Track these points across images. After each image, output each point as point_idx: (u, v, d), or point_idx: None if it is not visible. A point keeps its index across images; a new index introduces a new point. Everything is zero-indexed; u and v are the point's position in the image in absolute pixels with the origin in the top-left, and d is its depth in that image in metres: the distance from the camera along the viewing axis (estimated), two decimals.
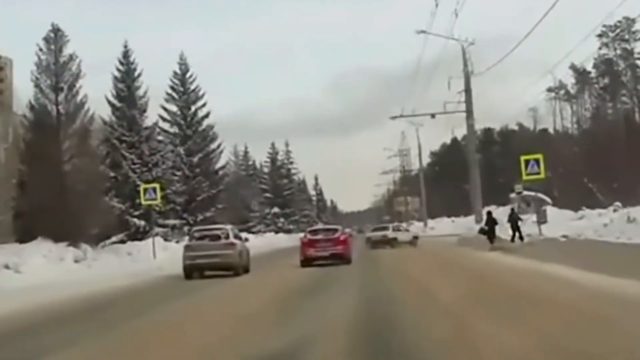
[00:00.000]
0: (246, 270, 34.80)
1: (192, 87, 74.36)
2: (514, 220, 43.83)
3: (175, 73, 73.98)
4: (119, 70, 67.54)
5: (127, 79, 67.36)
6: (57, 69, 54.10)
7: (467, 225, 63.02)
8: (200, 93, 74.67)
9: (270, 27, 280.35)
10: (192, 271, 32.95)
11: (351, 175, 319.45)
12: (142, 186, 49.74)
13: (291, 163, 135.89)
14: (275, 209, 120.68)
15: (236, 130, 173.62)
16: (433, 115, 66.79)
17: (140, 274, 36.72)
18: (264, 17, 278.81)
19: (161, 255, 49.17)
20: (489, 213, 46.17)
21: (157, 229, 64.31)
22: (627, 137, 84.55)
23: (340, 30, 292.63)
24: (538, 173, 40.70)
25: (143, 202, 49.25)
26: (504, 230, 48.70)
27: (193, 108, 74.22)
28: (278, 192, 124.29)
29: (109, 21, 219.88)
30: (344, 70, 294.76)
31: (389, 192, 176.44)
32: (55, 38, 54.34)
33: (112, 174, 64.28)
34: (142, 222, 63.65)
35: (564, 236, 37.10)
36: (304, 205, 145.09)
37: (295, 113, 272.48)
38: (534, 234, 43.64)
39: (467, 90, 57.86)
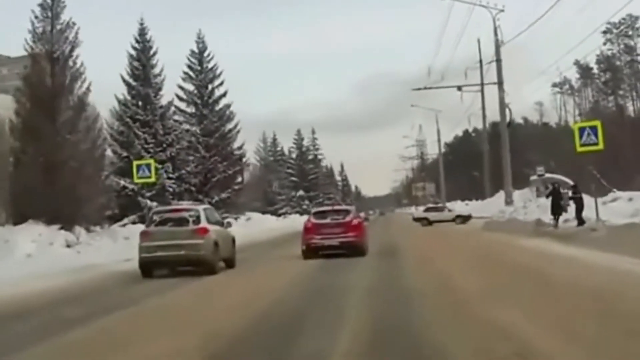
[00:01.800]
0: (229, 264, 23.15)
1: (210, 65, 62.54)
2: (577, 198, 30.75)
3: (192, 52, 62.33)
4: (134, 48, 56.44)
5: (142, 57, 56.05)
6: (53, 37, 42.39)
7: (498, 207, 49.71)
8: (218, 72, 62.93)
9: (302, 38, 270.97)
10: (150, 267, 21.19)
11: (374, 165, 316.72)
12: (135, 163, 37.55)
13: (317, 150, 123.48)
14: (301, 192, 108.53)
15: (272, 127, 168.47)
16: (459, 88, 54.55)
17: (104, 265, 24.76)
18: (299, 30, 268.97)
19: None
20: (555, 186, 32.81)
21: None
22: (622, 128, 78.41)
23: (365, 40, 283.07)
24: (596, 144, 27.95)
25: (136, 179, 37.17)
26: (536, 211, 36.63)
27: (210, 87, 61.92)
28: (303, 177, 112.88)
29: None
30: (367, 75, 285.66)
31: (407, 178, 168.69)
32: (52, 4, 42.60)
33: (124, 154, 53.20)
34: (155, 203, 52.32)
35: None
36: (329, 189, 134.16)
37: (324, 112, 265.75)
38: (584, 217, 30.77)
39: (498, 61, 45.87)
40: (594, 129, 28.56)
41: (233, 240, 24.00)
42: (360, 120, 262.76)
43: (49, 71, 42.16)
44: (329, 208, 27.98)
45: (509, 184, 48.02)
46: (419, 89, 52.12)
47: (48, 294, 17.05)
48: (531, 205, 39.94)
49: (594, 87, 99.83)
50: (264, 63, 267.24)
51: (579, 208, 30.02)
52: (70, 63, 42.62)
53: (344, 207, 29.96)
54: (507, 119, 46.81)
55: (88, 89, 43.07)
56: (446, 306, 11.64)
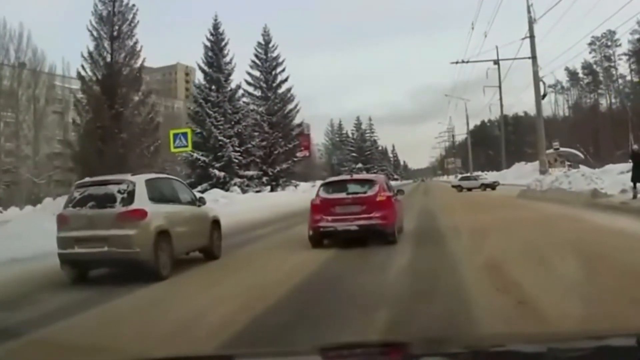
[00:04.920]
0: (209, 254, 11.11)
1: (274, 55, 49.87)
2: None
3: (259, 43, 49.87)
4: (209, 40, 45.26)
5: (215, 47, 44.76)
6: (114, 18, 31.35)
7: (532, 174, 36.39)
8: (281, 60, 50.14)
9: (371, 57, 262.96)
10: (73, 269, 9.17)
11: (417, 146, 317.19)
12: (171, 132, 25.47)
13: (372, 132, 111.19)
14: (359, 165, 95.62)
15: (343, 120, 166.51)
16: (495, 62, 40.82)
17: None
18: (368, 51, 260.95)
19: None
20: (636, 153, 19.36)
21: (236, 179, 41.67)
22: (596, 119, 77.32)
23: (416, 58, 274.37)
24: None
25: (172, 149, 25.13)
26: (581, 180, 23.92)
27: (273, 73, 49.31)
28: (361, 152, 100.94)
29: None
30: (417, 84, 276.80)
31: (441, 156, 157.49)
32: None
33: (198, 130, 42.02)
34: (222, 173, 41.00)
35: None
36: (383, 163, 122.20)
37: (384, 111, 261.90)
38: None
39: (531, 37, 32.47)
40: None
41: (215, 223, 11.64)
42: (410, 115, 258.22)
43: (109, 49, 31.27)
44: (347, 177, 13.32)
45: (543, 153, 34.08)
46: (457, 62, 38.08)
47: None
48: (575, 174, 26.45)
49: (578, 87, 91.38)
50: (343, 77, 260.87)
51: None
52: (130, 42, 31.63)
53: (367, 176, 15.49)
54: (542, 91, 33.01)
55: (142, 66, 31.79)
56: None
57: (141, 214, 8.99)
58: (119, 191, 9.19)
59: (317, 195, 12.29)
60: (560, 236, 11.06)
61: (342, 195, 11.94)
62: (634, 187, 17.44)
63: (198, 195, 12.45)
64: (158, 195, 9.77)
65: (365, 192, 11.87)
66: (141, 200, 9.14)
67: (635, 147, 19.41)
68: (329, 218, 11.70)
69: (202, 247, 11.01)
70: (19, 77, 66.62)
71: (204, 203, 11.68)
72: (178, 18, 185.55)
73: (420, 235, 13.01)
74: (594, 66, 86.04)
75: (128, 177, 9.70)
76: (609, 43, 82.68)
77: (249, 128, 44.88)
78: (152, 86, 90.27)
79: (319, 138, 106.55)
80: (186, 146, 24.75)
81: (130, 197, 9.11)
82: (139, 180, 9.52)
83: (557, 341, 2.53)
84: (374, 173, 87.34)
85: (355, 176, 13.18)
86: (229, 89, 44.12)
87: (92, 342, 5.68)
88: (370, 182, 12.31)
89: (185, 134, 24.74)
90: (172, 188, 10.70)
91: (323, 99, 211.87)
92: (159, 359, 3.71)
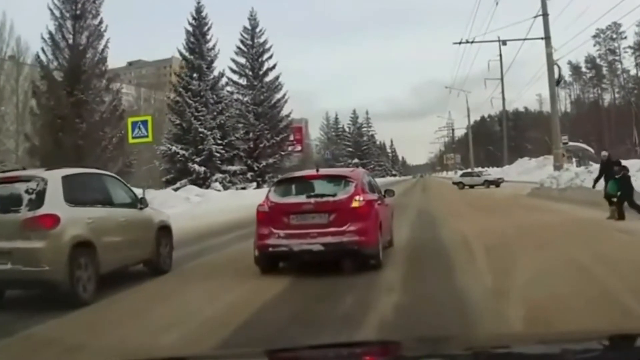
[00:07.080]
0: (155, 268, 8.68)
1: (261, 40, 45.65)
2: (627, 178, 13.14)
3: (245, 28, 45.70)
4: (190, 24, 41.10)
5: (197, 32, 40.74)
6: None
7: (537, 170, 32.67)
8: (268, 46, 45.83)
9: (370, 55, 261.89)
10: None
11: (417, 141, 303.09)
12: (130, 120, 21.76)
13: (370, 126, 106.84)
14: (356, 160, 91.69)
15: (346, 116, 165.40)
16: (504, 42, 36.93)
17: None
18: (373, 47, 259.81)
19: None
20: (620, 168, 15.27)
21: (218, 175, 38.07)
22: (599, 114, 76.38)
23: (420, 53, 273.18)
24: None
25: (130, 140, 21.33)
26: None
27: (260, 60, 45.21)
28: (358, 147, 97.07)
29: None
30: (420, 80, 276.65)
31: (440, 151, 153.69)
32: None
33: (177, 121, 38.39)
34: (202, 168, 37.42)
35: None
36: (380, 158, 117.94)
37: (387, 106, 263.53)
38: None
39: (545, 15, 28.76)
40: None
41: (163, 229, 9.15)
42: (411, 110, 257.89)
43: (71, 30, 27.75)
44: (310, 173, 8.83)
45: (558, 146, 30.19)
46: (460, 42, 34.13)
47: None
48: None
49: (581, 81, 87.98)
50: (342, 76, 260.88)
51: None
52: (95, 22, 28.12)
53: (340, 171, 9.52)
54: (556, 76, 29.29)
55: (106, 46, 28.21)
56: None
57: (51, 220, 6.66)
58: (26, 191, 6.80)
59: (267, 198, 8.39)
60: (626, 258, 7.44)
61: (302, 199, 8.14)
62: (612, 204, 13.34)
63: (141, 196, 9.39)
64: (80, 195, 7.42)
65: (334, 195, 8.06)
66: (54, 203, 6.81)
67: (605, 153, 15.21)
68: (282, 233, 7.94)
69: (144, 259, 8.59)
70: (1, 68, 63.09)
71: (146, 205, 8.89)
72: (175, 13, 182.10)
73: (416, 254, 9.33)
74: (598, 60, 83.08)
75: (40, 172, 7.28)
76: (614, 36, 79.69)
77: (232, 119, 41.10)
78: (146, 80, 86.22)
79: (318, 134, 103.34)
80: (146, 136, 21.07)
81: (39, 198, 6.74)
82: (53, 177, 7.07)
83: (558, 341, 2.40)
84: (370, 168, 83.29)
85: (322, 171, 8.87)
86: (211, 76, 40.39)
87: None
88: (343, 180, 8.33)
89: (145, 122, 21.07)
90: (101, 186, 8.17)
91: (324, 95, 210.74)
92: (159, 359, 4.01)
